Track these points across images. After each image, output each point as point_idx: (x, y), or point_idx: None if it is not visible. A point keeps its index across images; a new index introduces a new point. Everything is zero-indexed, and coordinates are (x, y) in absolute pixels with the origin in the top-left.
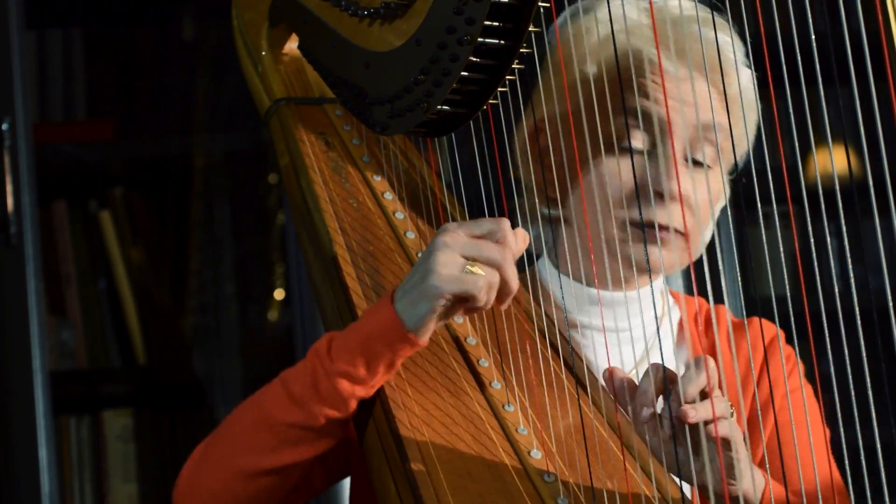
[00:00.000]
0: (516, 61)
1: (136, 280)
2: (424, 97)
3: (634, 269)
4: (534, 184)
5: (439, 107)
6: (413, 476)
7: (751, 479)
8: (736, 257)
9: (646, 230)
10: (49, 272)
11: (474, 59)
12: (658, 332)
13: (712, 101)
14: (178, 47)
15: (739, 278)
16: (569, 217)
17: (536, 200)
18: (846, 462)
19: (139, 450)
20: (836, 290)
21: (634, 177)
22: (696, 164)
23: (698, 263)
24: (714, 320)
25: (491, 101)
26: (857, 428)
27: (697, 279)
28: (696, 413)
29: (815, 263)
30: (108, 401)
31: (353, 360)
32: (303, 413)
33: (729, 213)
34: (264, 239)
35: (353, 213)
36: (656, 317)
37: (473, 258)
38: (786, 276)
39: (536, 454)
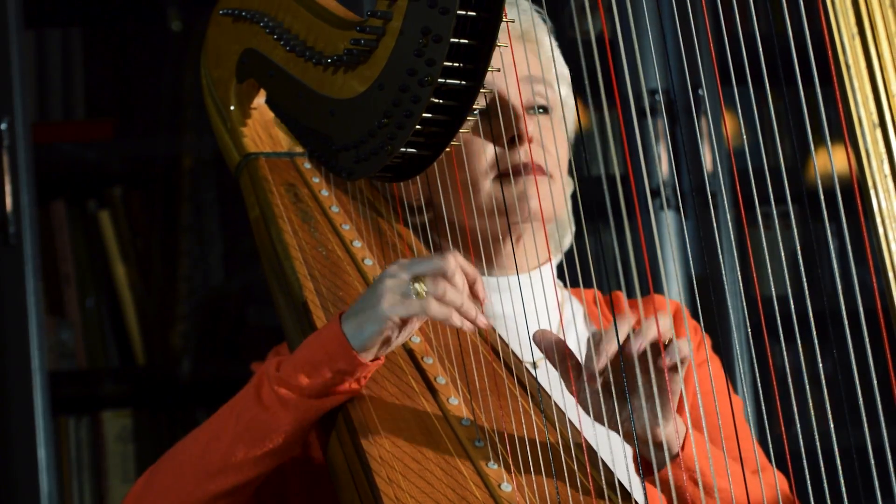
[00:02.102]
0: (477, 102)
1: (135, 280)
2: (388, 140)
3: (518, 219)
4: (404, 202)
5: (403, 149)
6: (375, 485)
7: (674, 423)
8: (736, 257)
9: (516, 175)
10: (48, 272)
11: (436, 101)
12: (562, 319)
13: (530, 57)
14: (178, 46)
15: (740, 278)
16: (437, 215)
17: (412, 217)
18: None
19: (138, 450)
20: (839, 289)
21: (500, 125)
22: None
23: (703, 263)
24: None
25: (453, 143)
26: (866, 428)
27: (703, 280)
28: (642, 341)
29: (804, 264)
30: (107, 401)
31: (296, 373)
32: (242, 424)
33: (728, 213)
34: None
35: (323, 261)
36: (560, 306)
37: (418, 274)
38: (786, 276)
39: (506, 486)
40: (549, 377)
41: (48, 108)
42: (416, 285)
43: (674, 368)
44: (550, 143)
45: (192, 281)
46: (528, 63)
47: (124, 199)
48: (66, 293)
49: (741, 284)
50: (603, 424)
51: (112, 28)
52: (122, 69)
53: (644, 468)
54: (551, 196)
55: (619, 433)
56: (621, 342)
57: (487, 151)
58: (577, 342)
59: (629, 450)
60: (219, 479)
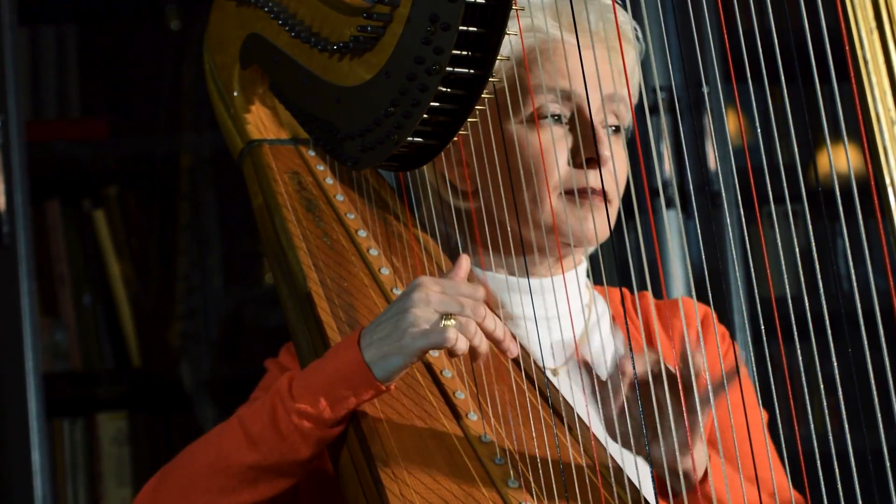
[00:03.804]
0: (485, 91)
1: (131, 281)
2: (395, 129)
3: (571, 241)
4: (447, 181)
5: (410, 138)
6: (380, 480)
7: (697, 452)
8: (749, 256)
9: (582, 196)
10: (42, 272)
11: (443, 90)
12: (591, 319)
13: (613, 72)
14: (176, 44)
15: (754, 277)
16: (484, 207)
17: (450, 198)
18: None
19: (134, 453)
20: (855, 289)
21: (579, 143)
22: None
23: (708, 263)
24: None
25: (461, 132)
26: (882, 430)
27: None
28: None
29: (811, 263)
30: (102, 403)
31: (315, 401)
32: (260, 454)
33: (741, 211)
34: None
35: (327, 251)
36: (588, 306)
37: (448, 313)
38: (797, 275)
39: (500, 460)
40: (560, 385)
41: (42, 106)
42: (445, 321)
43: (703, 401)
44: (618, 164)
45: (191, 280)
46: (613, 79)
47: (119, 198)
48: (61, 293)
49: (754, 284)
50: (626, 447)
51: (107, 25)
52: (117, 66)
53: (667, 493)
54: (608, 221)
55: (643, 455)
56: (650, 367)
57: (559, 166)
58: (601, 346)
59: (648, 471)
60: (232, 497)
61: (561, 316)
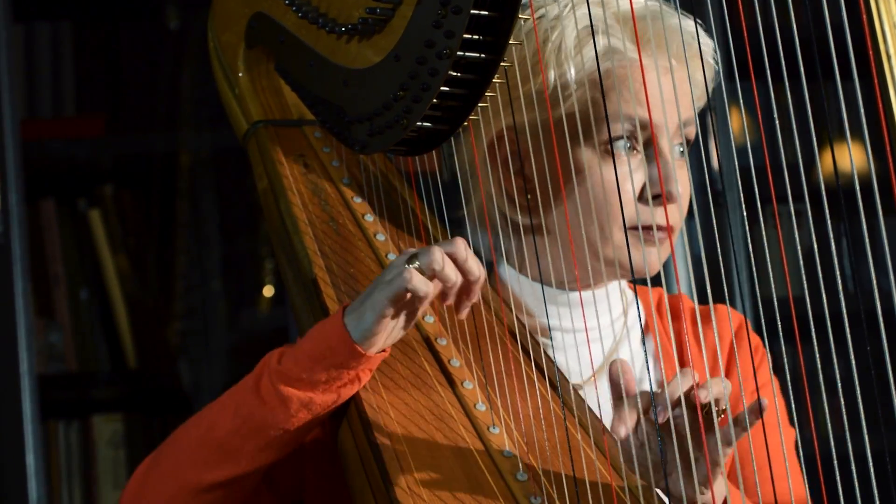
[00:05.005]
0: (496, 76)
1: (127, 281)
2: (404, 113)
3: (633, 277)
4: (503, 190)
5: (419, 123)
6: (386, 472)
7: (722, 482)
8: (771, 257)
9: (648, 232)
10: (37, 273)
11: (454, 74)
12: (626, 327)
13: (680, 94)
14: (171, 42)
15: (756, 278)
16: (545, 225)
17: (502, 206)
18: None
19: (129, 456)
20: (871, 289)
21: (646, 182)
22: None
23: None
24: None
25: (472, 117)
26: (883, 432)
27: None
28: (707, 392)
29: (817, 263)
30: (98, 405)
31: (296, 365)
32: (241, 419)
33: (743, 211)
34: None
35: (334, 236)
36: (624, 313)
37: (414, 254)
38: (816, 274)
39: (508, 453)
40: (587, 397)
41: (37, 104)
42: (409, 265)
43: (725, 441)
44: (684, 189)
45: (189, 279)
46: (679, 101)
47: (115, 197)
48: (56, 294)
49: (771, 283)
50: (643, 478)
51: (103, 21)
52: (113, 64)
53: None
54: (672, 249)
55: (660, 488)
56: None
57: (630, 202)
58: (631, 359)
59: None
60: (216, 470)
61: (590, 329)
